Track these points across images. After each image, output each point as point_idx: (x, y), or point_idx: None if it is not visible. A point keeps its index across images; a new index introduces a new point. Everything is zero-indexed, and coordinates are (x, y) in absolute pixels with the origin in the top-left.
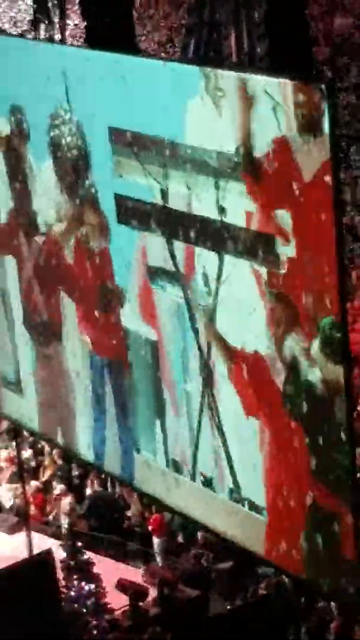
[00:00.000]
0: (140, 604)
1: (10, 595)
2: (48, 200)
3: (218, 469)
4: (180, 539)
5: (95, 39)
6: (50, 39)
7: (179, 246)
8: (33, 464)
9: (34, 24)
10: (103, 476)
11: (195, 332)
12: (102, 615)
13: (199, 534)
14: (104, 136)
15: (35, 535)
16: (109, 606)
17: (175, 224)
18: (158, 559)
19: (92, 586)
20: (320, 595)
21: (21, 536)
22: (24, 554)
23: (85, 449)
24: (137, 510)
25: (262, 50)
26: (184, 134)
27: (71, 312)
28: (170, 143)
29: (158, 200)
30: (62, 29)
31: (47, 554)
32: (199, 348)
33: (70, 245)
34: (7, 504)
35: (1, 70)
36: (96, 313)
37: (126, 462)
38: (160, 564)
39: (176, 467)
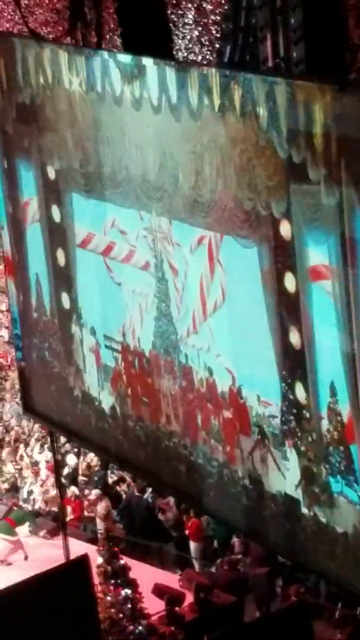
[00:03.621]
0: (177, 609)
1: (47, 599)
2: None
3: None
4: (216, 544)
5: (133, 45)
6: (86, 44)
7: None
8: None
9: (70, 28)
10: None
11: None
12: (139, 620)
13: (235, 540)
14: None
15: (72, 540)
16: (145, 611)
17: None
18: (195, 564)
19: (129, 591)
20: None
21: (58, 541)
22: (60, 559)
23: None
24: (173, 516)
25: (299, 55)
26: None
27: None
28: None
29: None
30: (99, 34)
31: (84, 559)
32: None
33: None
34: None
35: None
36: None
37: None
38: (197, 569)
39: None
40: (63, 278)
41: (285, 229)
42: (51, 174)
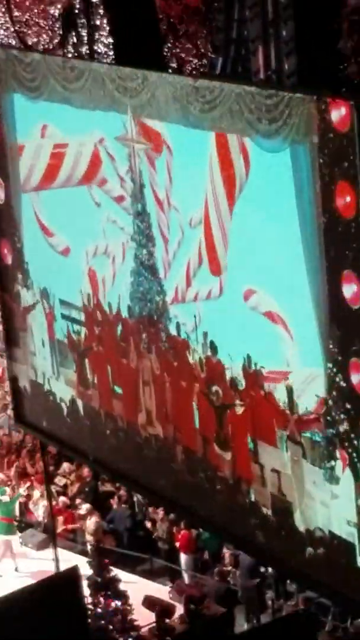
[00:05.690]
0: (167, 620)
1: (37, 611)
2: None
3: None
4: (206, 555)
5: (124, 56)
6: (80, 55)
7: None
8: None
9: (62, 40)
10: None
11: None
12: (129, 632)
13: (226, 551)
14: None
15: (62, 552)
16: (135, 623)
17: None
18: (185, 575)
19: (119, 603)
20: None
21: (48, 552)
22: (51, 571)
23: None
24: (164, 527)
25: (290, 67)
26: None
27: None
28: None
29: None
30: (91, 45)
31: (74, 570)
32: None
33: None
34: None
35: None
36: None
37: None
38: (187, 581)
39: None
40: (3, 220)
41: (338, 115)
42: None
